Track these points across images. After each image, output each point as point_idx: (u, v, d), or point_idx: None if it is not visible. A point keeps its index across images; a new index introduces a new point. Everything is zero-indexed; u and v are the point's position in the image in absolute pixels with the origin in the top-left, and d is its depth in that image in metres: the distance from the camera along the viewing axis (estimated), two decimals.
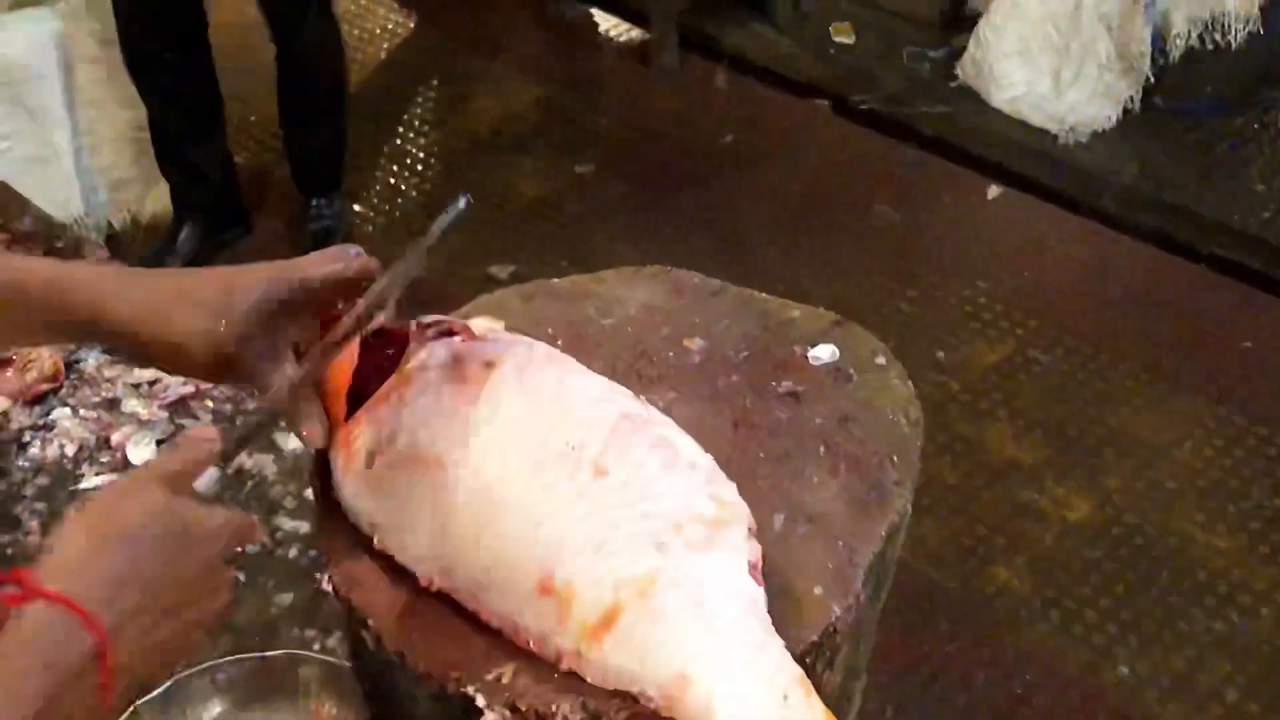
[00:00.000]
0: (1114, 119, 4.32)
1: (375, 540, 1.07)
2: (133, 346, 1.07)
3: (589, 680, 0.99)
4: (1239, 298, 3.79)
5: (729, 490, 1.05)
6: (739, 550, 1.01)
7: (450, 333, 1.15)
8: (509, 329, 1.30)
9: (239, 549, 0.98)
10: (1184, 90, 4.35)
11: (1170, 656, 2.81)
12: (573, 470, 1.03)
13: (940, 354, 3.57)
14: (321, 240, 3.87)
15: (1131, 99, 4.33)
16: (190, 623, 0.91)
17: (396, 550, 1.06)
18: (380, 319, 1.11)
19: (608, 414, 1.06)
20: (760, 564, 1.02)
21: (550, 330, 1.30)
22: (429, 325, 1.15)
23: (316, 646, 1.66)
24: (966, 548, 3.05)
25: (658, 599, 0.97)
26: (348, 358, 1.10)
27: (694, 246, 3.97)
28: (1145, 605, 2.91)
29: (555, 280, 1.36)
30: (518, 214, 4.13)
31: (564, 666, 1.00)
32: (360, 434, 1.09)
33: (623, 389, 1.12)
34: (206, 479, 0.97)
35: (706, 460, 1.07)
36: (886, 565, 1.17)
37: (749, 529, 1.03)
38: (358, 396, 1.11)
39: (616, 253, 3.86)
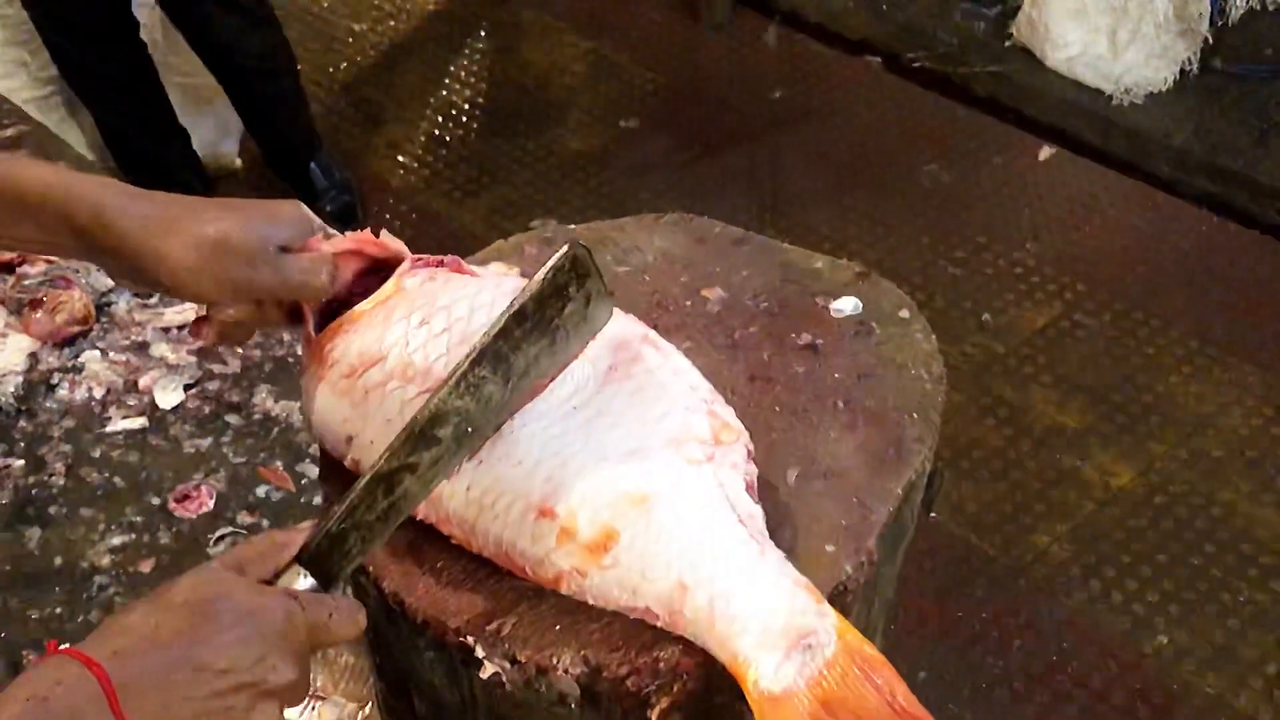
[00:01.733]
0: (1170, 81, 4.23)
1: (348, 457, 1.06)
2: (121, 264, 1.07)
3: (589, 601, 0.98)
4: None
5: (728, 412, 1.04)
6: (736, 468, 1.00)
7: (439, 264, 1.13)
8: (523, 275, 1.28)
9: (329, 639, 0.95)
10: (1243, 53, 4.25)
11: (1211, 627, 2.76)
12: (575, 391, 1.02)
13: (986, 316, 3.52)
14: (341, 217, 3.79)
15: (1189, 60, 4.23)
16: (250, 694, 0.89)
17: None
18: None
19: (611, 336, 1.05)
20: (755, 485, 1.02)
21: None
22: (419, 259, 1.14)
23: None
24: (1007, 513, 3.00)
25: (655, 514, 0.96)
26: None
27: (739, 204, 3.93)
28: (1187, 575, 2.87)
29: (573, 226, 1.34)
30: (562, 168, 4.10)
31: (563, 589, 0.98)
32: (338, 345, 1.07)
33: (629, 316, 1.10)
34: (302, 583, 0.95)
35: (706, 383, 1.06)
36: (904, 524, 1.14)
37: (747, 450, 1.02)
38: (327, 313, 1.10)
39: (660, 210, 3.81)
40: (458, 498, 1.00)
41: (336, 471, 1.10)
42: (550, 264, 0.96)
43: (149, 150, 3.62)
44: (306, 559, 0.95)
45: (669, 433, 0.99)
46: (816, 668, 0.92)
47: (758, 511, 1.00)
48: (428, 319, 1.06)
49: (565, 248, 0.96)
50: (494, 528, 0.99)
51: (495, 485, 0.99)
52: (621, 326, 1.06)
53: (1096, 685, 2.66)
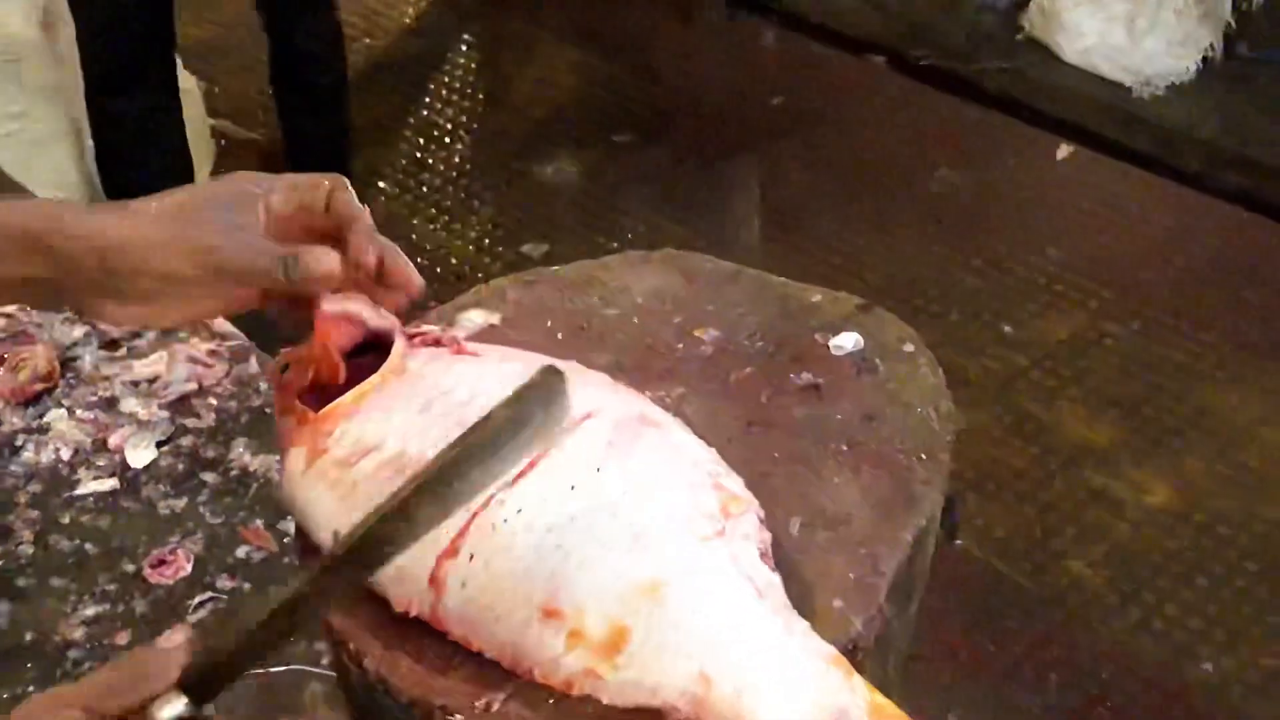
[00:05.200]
0: (1193, 69, 4.25)
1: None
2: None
3: (605, 702, 0.97)
4: None
5: (735, 482, 1.04)
6: (749, 539, 1.00)
7: (437, 343, 1.13)
8: (505, 322, 1.28)
9: None
10: (1269, 37, 4.27)
11: (1258, 653, 2.76)
12: (573, 474, 1.01)
13: (1007, 328, 3.52)
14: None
15: (1212, 47, 4.25)
16: None
17: None
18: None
19: (607, 418, 1.05)
20: (770, 552, 1.01)
21: (550, 322, 1.28)
22: (416, 335, 1.13)
23: (325, 662, 1.66)
24: (1036, 538, 3.00)
25: (669, 602, 0.96)
26: (316, 350, 1.09)
27: (741, 218, 3.94)
28: (1230, 598, 2.86)
29: (556, 268, 1.34)
30: (552, 188, 4.11)
31: (575, 692, 0.98)
32: (334, 431, 1.07)
33: (624, 388, 1.11)
34: (171, 709, 0.89)
35: (709, 453, 1.06)
36: (916, 574, 1.14)
37: (759, 518, 1.02)
38: (327, 397, 1.10)
39: (658, 227, 3.84)
40: (453, 596, 1.00)
41: (314, 550, 1.10)
42: (517, 391, 0.95)
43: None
44: (188, 685, 0.90)
45: (675, 512, 0.99)
46: None
47: (776, 580, 0.99)
48: (428, 405, 1.06)
49: (536, 375, 0.96)
50: (496, 630, 0.99)
51: (494, 584, 0.99)
52: (620, 404, 1.07)
53: (1139, 719, 2.65)
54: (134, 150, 3.56)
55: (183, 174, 3.65)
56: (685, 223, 3.86)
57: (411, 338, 1.13)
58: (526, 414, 0.93)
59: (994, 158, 4.16)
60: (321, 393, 1.10)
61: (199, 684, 0.90)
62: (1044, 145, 4.19)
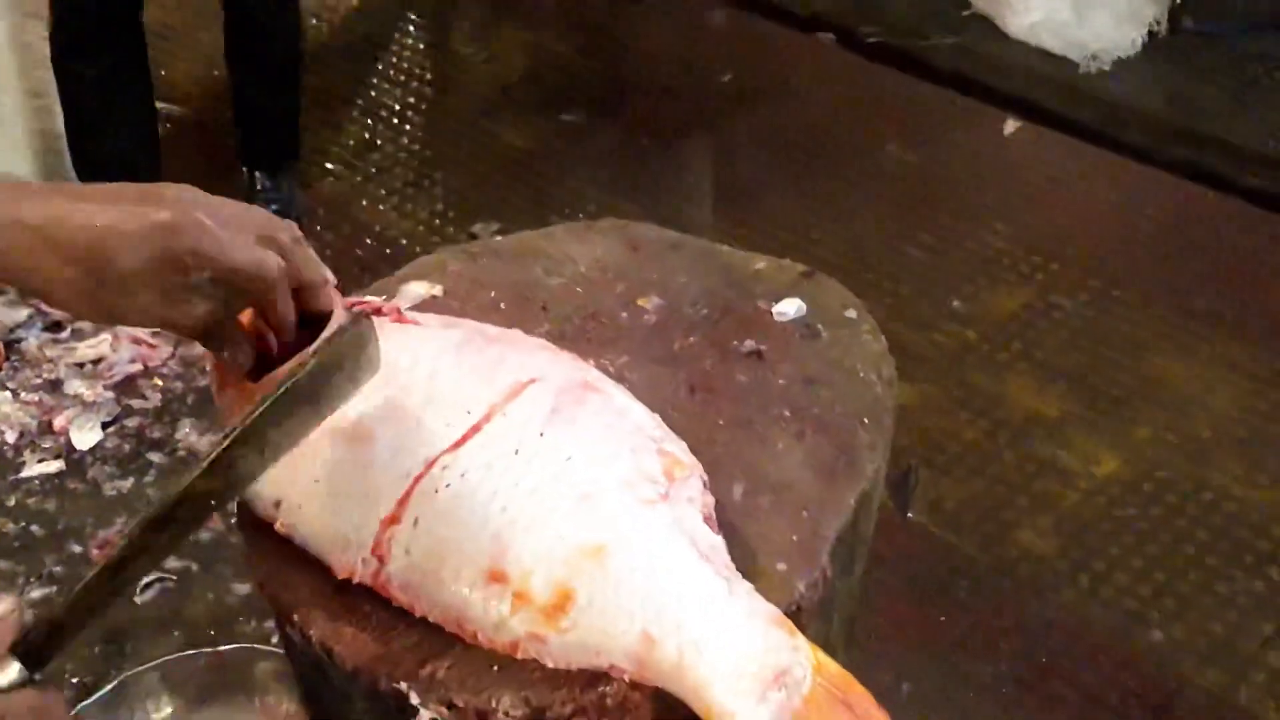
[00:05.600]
0: (1139, 43, 4.27)
1: (279, 522, 1.05)
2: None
3: (550, 664, 0.98)
4: (1277, 231, 3.74)
5: (678, 447, 1.04)
6: (692, 502, 1.01)
7: (378, 313, 1.12)
8: (447, 293, 1.28)
9: None
10: (1213, 10, 4.29)
11: (1208, 620, 2.78)
12: (519, 437, 1.02)
13: (956, 302, 3.54)
14: None
15: (1157, 21, 4.27)
16: None
17: (309, 535, 1.04)
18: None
19: (550, 384, 1.05)
20: (714, 515, 1.02)
21: (493, 293, 1.28)
22: (356, 304, 1.13)
23: (275, 640, 1.65)
24: (986, 509, 3.02)
25: (612, 564, 0.96)
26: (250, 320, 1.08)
27: (693, 196, 3.93)
28: (1180, 566, 2.88)
29: (499, 239, 1.34)
30: (502, 168, 4.09)
31: (520, 655, 0.98)
32: None
33: (567, 355, 1.11)
34: (5, 676, 0.88)
35: (653, 419, 1.07)
36: (859, 535, 1.14)
37: (702, 482, 1.03)
38: (265, 365, 1.09)
39: (610, 206, 3.83)
40: (398, 561, 1.00)
41: (256, 523, 1.10)
42: (325, 339, 0.96)
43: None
44: (22, 652, 0.89)
45: (619, 476, 0.99)
46: (794, 706, 0.93)
47: (719, 543, 1.00)
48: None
49: (344, 321, 0.97)
50: (441, 595, 0.99)
51: (439, 548, 0.99)
52: (563, 370, 1.07)
53: (1089, 686, 2.67)
54: (101, 117, 3.53)
55: (149, 145, 3.64)
56: (636, 200, 3.85)
57: (351, 307, 1.12)
58: (337, 361, 0.94)
59: (942, 133, 4.17)
60: (261, 364, 1.09)
61: (33, 650, 0.89)
62: (991, 120, 4.19)
